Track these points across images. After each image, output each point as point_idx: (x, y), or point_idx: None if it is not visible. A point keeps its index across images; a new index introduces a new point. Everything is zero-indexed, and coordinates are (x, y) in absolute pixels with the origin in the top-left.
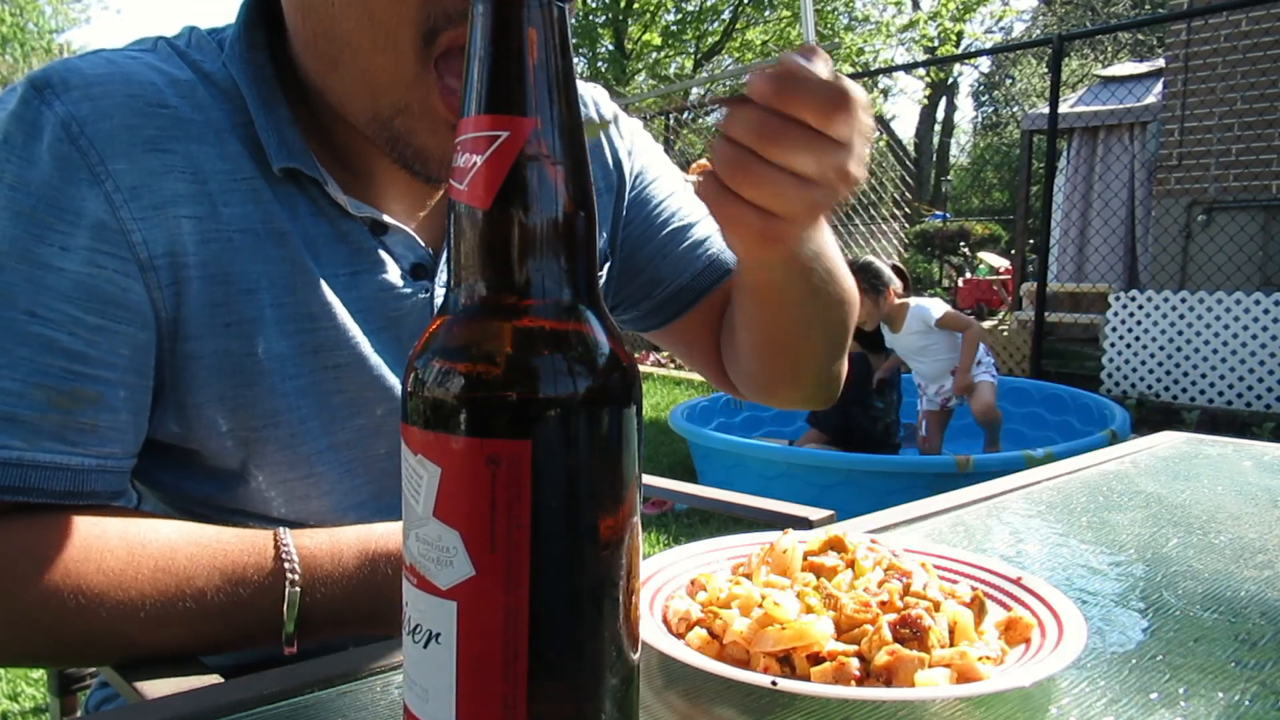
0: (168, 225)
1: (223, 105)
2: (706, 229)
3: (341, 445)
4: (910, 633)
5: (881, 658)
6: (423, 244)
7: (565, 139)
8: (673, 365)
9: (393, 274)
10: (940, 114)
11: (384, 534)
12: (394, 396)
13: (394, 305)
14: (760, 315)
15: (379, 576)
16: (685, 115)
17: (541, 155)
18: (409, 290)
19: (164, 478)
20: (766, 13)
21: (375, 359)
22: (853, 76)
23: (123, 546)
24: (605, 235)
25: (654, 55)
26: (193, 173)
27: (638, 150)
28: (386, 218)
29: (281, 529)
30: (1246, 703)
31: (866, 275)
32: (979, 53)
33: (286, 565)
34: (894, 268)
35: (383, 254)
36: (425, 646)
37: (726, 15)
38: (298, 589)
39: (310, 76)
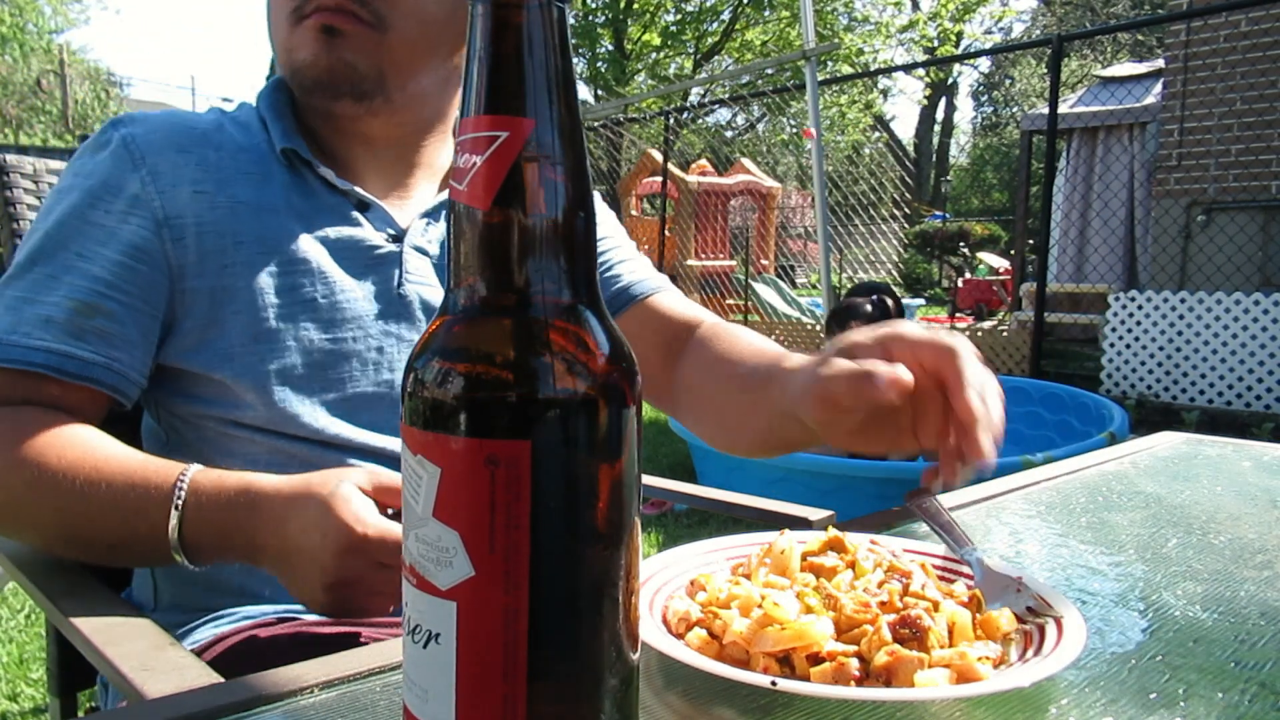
0: (181, 198)
1: (241, 134)
2: (628, 268)
3: (314, 364)
4: (910, 633)
5: (881, 658)
6: (397, 220)
7: (565, 139)
8: None
9: (370, 235)
10: (940, 114)
11: (266, 478)
12: (365, 325)
13: (371, 254)
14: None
15: (240, 507)
16: (685, 115)
17: (541, 156)
18: (384, 246)
19: (176, 402)
20: (766, 13)
21: (349, 295)
22: (853, 77)
23: (82, 445)
24: None
25: (653, 55)
26: (204, 165)
27: None
28: (368, 195)
29: (195, 464)
30: (1246, 703)
31: (838, 317)
32: (978, 53)
33: (179, 483)
34: (885, 299)
35: (363, 221)
36: (425, 647)
37: (726, 16)
38: (182, 497)
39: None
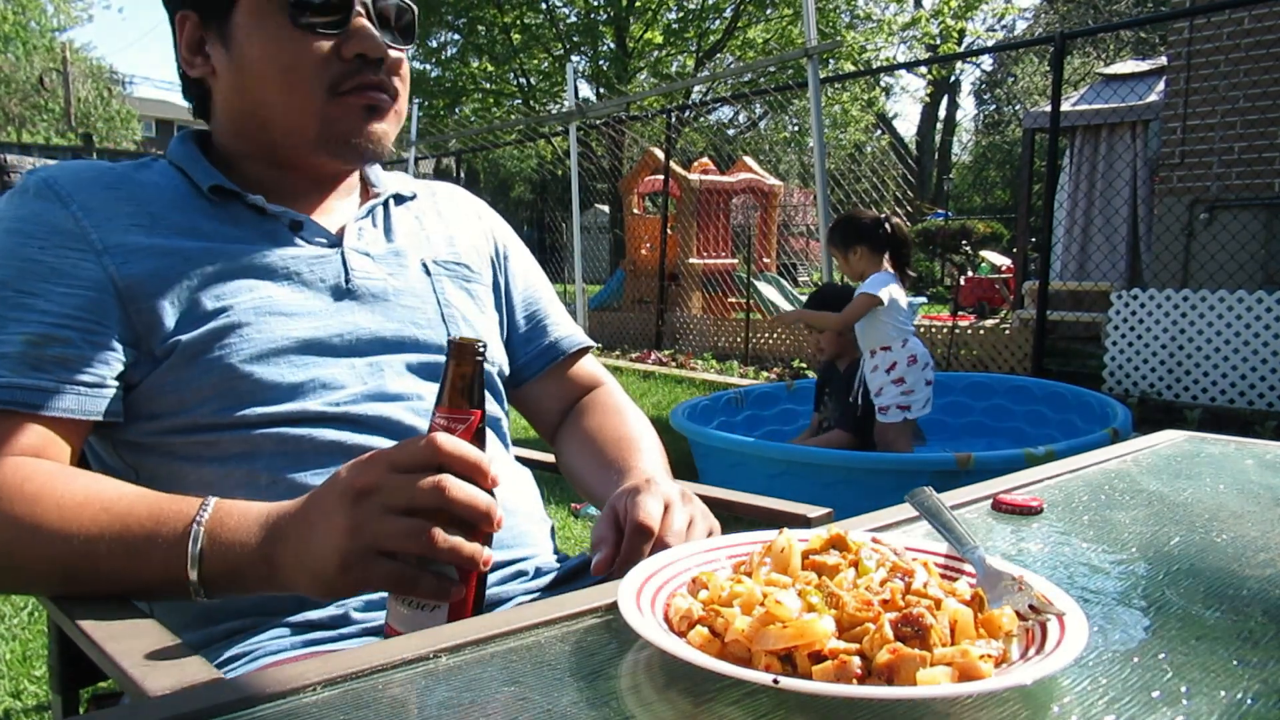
0: (119, 230)
1: (160, 178)
2: (553, 323)
3: (279, 351)
4: (912, 631)
5: (883, 656)
6: (330, 230)
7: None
8: (674, 365)
9: (309, 250)
10: (942, 112)
11: (285, 507)
12: (322, 316)
13: (316, 263)
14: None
15: (263, 530)
16: (687, 113)
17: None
18: (326, 254)
19: (139, 425)
20: (768, 11)
21: (304, 292)
22: (855, 75)
23: (82, 490)
24: (503, 281)
25: (655, 54)
26: (137, 201)
27: (498, 229)
28: (298, 214)
29: (211, 497)
30: (1249, 701)
31: (840, 226)
32: (981, 51)
33: (201, 513)
34: (887, 221)
35: (299, 240)
36: None
37: (728, 13)
38: (202, 528)
39: (235, 140)
